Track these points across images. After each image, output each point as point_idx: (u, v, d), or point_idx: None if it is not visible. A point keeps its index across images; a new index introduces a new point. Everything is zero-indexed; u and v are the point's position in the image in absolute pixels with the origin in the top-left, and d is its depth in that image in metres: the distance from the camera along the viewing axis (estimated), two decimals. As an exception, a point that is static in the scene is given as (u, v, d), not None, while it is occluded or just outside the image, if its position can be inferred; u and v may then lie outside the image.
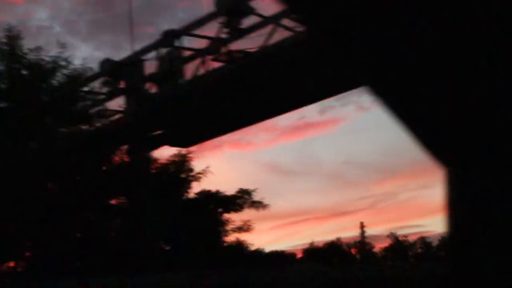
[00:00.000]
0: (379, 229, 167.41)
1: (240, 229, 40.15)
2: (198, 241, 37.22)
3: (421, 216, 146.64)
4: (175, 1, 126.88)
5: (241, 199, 39.15)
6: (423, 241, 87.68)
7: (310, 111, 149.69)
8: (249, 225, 39.15)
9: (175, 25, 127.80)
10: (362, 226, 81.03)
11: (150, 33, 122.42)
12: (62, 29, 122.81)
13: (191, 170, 40.70)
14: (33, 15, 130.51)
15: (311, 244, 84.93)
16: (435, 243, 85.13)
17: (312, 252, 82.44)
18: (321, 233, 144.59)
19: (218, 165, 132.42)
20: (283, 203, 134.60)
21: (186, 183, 40.37)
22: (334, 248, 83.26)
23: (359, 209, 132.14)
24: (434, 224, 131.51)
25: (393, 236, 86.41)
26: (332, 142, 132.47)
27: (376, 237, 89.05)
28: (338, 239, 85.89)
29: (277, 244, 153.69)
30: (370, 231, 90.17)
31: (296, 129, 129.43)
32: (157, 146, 38.71)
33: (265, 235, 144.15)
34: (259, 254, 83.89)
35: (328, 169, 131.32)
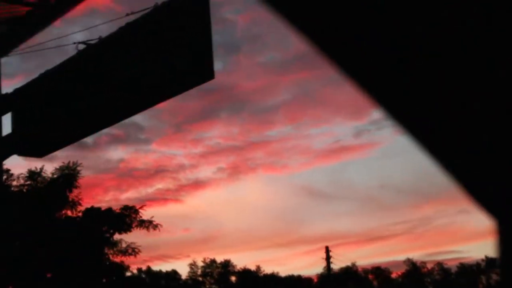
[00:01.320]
0: (416, 254, 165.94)
1: (123, 252, 34.32)
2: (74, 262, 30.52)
3: (459, 242, 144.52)
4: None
5: (127, 218, 34.04)
6: (441, 267, 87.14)
7: (345, 134, 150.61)
8: (135, 248, 34.01)
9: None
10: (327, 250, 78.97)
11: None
12: None
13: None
14: (70, 36, 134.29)
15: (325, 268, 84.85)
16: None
17: (328, 277, 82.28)
18: (356, 257, 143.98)
19: (253, 188, 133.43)
20: (318, 227, 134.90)
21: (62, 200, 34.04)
22: (349, 274, 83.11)
23: (395, 234, 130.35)
24: (473, 250, 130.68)
25: (409, 262, 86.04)
26: (368, 166, 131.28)
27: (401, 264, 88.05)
28: (353, 264, 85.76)
29: (310, 268, 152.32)
30: (401, 257, 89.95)
31: (331, 152, 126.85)
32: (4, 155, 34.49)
33: (298, 259, 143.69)
34: (274, 278, 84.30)
35: (363, 193, 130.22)
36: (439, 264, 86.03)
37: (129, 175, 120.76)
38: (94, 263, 31.90)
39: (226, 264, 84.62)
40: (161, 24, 11.06)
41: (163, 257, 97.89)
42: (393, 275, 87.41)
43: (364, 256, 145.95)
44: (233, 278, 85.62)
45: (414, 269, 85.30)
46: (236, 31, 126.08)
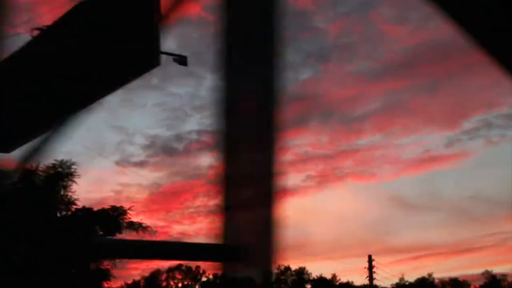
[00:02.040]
0: (508, 267, 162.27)
1: None
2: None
3: None
4: (299, 33, 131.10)
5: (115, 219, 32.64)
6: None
7: (435, 144, 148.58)
8: None
9: (299, 56, 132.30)
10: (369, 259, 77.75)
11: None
12: (190, 59, 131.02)
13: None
14: (164, 44, 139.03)
15: (401, 279, 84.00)
16: None
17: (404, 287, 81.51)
18: (443, 269, 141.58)
19: (341, 197, 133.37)
20: (406, 237, 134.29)
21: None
22: (423, 285, 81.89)
23: (485, 246, 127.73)
24: None
25: (488, 275, 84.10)
26: (458, 177, 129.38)
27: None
28: (429, 275, 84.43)
29: (391, 279, 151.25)
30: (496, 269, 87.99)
31: (421, 162, 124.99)
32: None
33: (385, 269, 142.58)
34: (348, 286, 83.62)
35: (453, 204, 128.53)
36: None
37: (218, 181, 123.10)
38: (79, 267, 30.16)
39: (301, 271, 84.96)
40: (105, 8, 10.71)
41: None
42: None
43: (453, 268, 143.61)
44: (308, 286, 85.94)
45: (493, 282, 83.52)
46: (327, 40, 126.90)
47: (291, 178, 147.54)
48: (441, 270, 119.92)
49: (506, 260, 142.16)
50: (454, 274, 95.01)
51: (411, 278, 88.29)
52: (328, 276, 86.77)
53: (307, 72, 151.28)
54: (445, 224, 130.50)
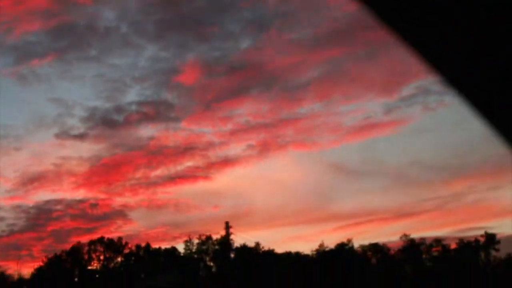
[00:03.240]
0: (446, 231, 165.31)
1: None
2: None
3: (490, 218, 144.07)
4: (239, 1, 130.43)
5: None
6: (440, 243, 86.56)
7: (375, 111, 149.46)
8: None
9: (240, 25, 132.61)
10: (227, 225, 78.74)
11: (216, 32, 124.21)
12: (129, 30, 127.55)
13: None
14: (101, 15, 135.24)
15: (321, 245, 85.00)
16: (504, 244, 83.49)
17: (322, 254, 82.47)
18: (385, 234, 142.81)
19: (282, 165, 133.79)
20: (348, 204, 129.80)
21: None
22: (344, 251, 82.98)
23: (425, 210, 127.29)
24: (503, 226, 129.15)
25: (406, 239, 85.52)
26: (398, 143, 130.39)
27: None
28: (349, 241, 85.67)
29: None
30: (431, 233, 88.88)
31: (361, 130, 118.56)
32: None
33: (328, 236, 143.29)
34: (270, 254, 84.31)
35: (393, 170, 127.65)
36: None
37: (159, 153, 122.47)
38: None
39: (224, 240, 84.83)
40: None
41: (193, 234, 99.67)
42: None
43: (394, 233, 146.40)
44: (232, 255, 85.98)
45: (411, 246, 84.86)
46: (267, 9, 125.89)
47: (232, 148, 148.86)
48: (384, 234, 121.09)
49: (444, 223, 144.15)
50: (394, 239, 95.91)
51: (331, 244, 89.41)
52: (282, 244, 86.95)
53: (248, 41, 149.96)
54: (386, 190, 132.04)
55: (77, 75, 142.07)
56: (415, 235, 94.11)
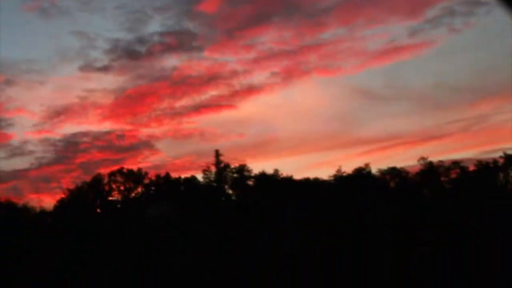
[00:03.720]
0: (471, 152, 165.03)
1: None
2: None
3: None
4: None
5: None
6: (457, 166, 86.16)
7: (399, 34, 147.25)
8: None
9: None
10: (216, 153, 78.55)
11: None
12: None
13: None
14: None
15: (338, 171, 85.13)
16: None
17: (339, 179, 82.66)
18: (410, 157, 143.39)
19: (307, 92, 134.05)
20: (373, 128, 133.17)
21: None
22: (361, 176, 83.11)
23: (450, 133, 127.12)
24: None
25: (424, 162, 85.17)
26: (422, 66, 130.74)
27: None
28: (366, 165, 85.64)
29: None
30: (456, 155, 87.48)
31: (385, 53, 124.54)
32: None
33: (353, 161, 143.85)
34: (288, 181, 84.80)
35: (418, 93, 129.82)
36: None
37: (183, 83, 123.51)
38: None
39: (241, 168, 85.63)
40: None
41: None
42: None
43: (419, 156, 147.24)
44: (250, 183, 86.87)
45: (429, 169, 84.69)
46: None
47: (256, 76, 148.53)
48: (409, 158, 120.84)
49: (470, 145, 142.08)
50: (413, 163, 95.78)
51: (348, 169, 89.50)
52: (307, 170, 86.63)
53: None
54: (410, 113, 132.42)
55: (98, 7, 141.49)
56: (440, 157, 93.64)
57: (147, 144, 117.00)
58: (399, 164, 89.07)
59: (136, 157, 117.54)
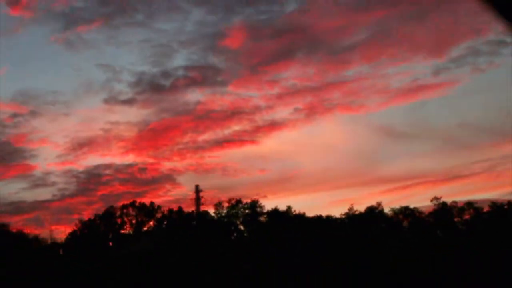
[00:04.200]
0: (494, 193, 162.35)
1: None
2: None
3: None
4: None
5: None
6: (472, 206, 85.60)
7: (423, 73, 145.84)
8: None
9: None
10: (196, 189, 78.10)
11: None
12: None
13: None
14: None
15: (350, 209, 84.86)
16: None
17: (352, 218, 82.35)
18: (433, 197, 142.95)
19: (329, 128, 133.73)
20: (396, 166, 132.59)
21: None
22: (373, 214, 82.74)
23: (475, 173, 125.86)
24: None
25: (438, 202, 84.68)
26: (447, 105, 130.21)
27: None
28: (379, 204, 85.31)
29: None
30: (481, 196, 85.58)
31: (409, 91, 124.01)
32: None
33: (375, 198, 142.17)
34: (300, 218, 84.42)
35: (442, 132, 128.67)
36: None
37: (206, 117, 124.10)
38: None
39: (254, 204, 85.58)
40: None
41: (240, 198, 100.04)
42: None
43: (443, 195, 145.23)
44: (261, 219, 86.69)
45: (442, 209, 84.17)
46: None
47: (279, 112, 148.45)
48: (432, 197, 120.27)
49: (494, 186, 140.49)
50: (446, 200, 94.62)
51: (361, 208, 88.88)
52: (330, 207, 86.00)
53: (293, 3, 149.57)
54: (434, 152, 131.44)
55: (124, 40, 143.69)
56: (463, 198, 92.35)
57: (169, 178, 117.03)
58: (420, 204, 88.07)
59: (158, 190, 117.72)
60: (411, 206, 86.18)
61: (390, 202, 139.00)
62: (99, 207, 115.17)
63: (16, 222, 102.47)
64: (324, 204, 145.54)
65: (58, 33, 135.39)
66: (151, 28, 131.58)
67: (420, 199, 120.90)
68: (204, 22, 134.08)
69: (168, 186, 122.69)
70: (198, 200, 74.09)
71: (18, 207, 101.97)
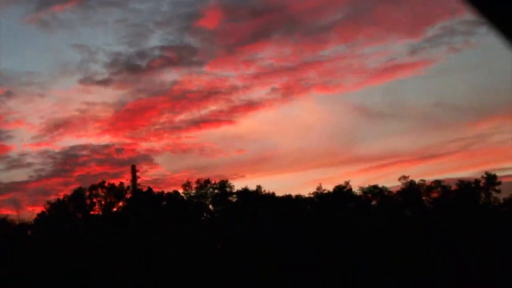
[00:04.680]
0: (470, 172, 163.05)
1: None
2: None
3: None
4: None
5: None
6: (439, 184, 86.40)
7: (399, 53, 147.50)
8: None
9: None
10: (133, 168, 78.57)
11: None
12: None
13: None
14: None
15: (318, 188, 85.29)
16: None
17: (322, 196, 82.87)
18: (412, 175, 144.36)
19: (306, 108, 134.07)
20: (372, 146, 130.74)
21: None
22: (342, 193, 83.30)
23: (450, 152, 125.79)
24: None
25: (405, 181, 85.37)
26: (422, 84, 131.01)
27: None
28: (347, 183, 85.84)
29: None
30: (456, 175, 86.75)
31: (385, 71, 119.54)
32: None
33: (352, 178, 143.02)
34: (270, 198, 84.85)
35: (418, 111, 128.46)
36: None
37: (183, 97, 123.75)
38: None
39: (223, 184, 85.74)
40: None
41: (218, 178, 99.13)
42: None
43: (418, 174, 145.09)
44: (232, 198, 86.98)
45: (410, 188, 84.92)
46: None
47: (256, 92, 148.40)
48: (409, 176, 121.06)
49: (469, 165, 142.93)
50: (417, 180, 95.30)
51: (329, 187, 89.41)
52: (307, 186, 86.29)
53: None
54: (410, 132, 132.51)
55: (100, 20, 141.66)
56: (439, 176, 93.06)
57: (146, 158, 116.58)
58: (395, 183, 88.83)
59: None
60: (387, 185, 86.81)
61: (366, 181, 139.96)
62: (76, 188, 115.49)
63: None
64: (301, 184, 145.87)
65: (32, 13, 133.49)
66: (127, 8, 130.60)
67: (395, 178, 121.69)
68: (179, 2, 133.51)
69: (145, 167, 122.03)
70: (134, 180, 74.61)
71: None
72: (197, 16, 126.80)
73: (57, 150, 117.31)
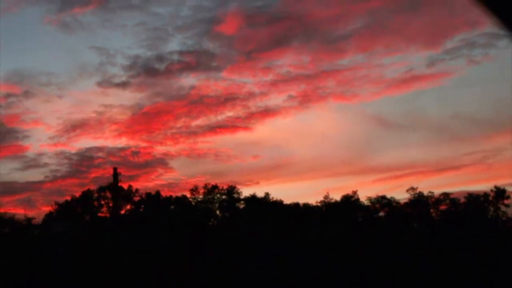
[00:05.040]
0: (485, 185, 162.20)
1: None
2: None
3: None
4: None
5: None
6: (448, 197, 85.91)
7: (417, 64, 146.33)
8: None
9: None
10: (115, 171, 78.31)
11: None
12: None
13: None
14: None
15: (325, 197, 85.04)
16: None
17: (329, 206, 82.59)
18: (426, 187, 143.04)
19: (323, 117, 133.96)
20: (387, 156, 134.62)
21: None
22: (349, 203, 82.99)
23: (466, 164, 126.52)
24: None
25: (414, 192, 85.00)
26: (440, 96, 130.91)
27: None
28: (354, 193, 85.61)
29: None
30: (471, 188, 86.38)
31: (403, 82, 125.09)
32: None
33: (367, 188, 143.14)
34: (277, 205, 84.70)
35: (434, 123, 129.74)
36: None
37: (200, 102, 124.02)
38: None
39: (231, 190, 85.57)
40: None
41: (233, 184, 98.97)
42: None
43: (434, 186, 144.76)
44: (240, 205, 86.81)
45: (418, 199, 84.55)
46: None
47: (273, 99, 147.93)
48: (423, 188, 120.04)
49: (485, 178, 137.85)
50: (437, 191, 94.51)
51: (337, 196, 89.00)
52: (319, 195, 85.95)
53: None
54: (427, 143, 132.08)
55: (119, 23, 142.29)
56: (454, 189, 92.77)
57: (162, 162, 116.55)
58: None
59: (150, 174, 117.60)
60: (401, 197, 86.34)
61: (380, 192, 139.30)
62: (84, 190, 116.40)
63: (7, 203, 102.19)
64: (315, 192, 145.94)
65: (53, 14, 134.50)
66: (147, 12, 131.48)
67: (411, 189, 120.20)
68: (200, 7, 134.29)
69: (160, 170, 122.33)
70: (116, 182, 74.92)
71: (9, 188, 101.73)
72: (216, 22, 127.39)
73: (73, 151, 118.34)
